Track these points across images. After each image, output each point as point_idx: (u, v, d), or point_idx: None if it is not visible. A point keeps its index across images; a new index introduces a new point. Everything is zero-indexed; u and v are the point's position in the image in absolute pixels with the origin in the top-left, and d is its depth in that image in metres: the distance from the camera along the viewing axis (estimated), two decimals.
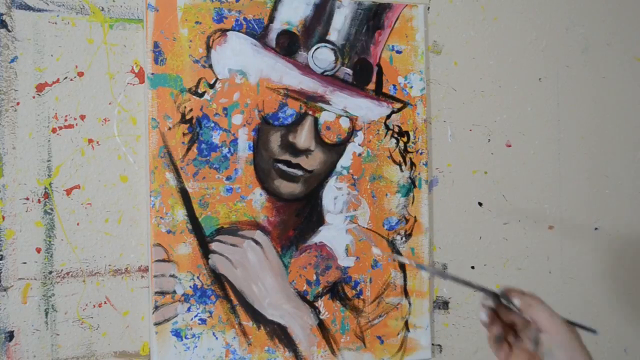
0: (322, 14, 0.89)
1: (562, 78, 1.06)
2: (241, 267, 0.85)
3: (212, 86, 0.85)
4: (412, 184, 0.94)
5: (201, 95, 0.84)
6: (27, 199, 0.78)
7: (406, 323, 0.93)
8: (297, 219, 0.88)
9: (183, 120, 0.83)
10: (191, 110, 0.84)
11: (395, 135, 0.94)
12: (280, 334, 0.87)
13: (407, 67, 0.94)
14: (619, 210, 1.09)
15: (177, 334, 0.83)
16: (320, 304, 0.89)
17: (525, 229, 1.04)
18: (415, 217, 0.94)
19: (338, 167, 0.90)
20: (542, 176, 1.05)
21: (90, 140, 0.81)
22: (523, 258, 1.03)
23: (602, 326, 1.08)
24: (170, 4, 0.83)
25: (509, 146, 1.03)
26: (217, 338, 0.84)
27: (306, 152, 0.88)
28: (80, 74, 0.81)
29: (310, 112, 0.89)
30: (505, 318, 0.64)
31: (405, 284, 0.93)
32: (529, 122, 1.04)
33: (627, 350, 1.10)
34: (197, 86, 0.84)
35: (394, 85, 0.93)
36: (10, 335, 0.77)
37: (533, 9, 1.04)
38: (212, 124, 0.85)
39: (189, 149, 0.84)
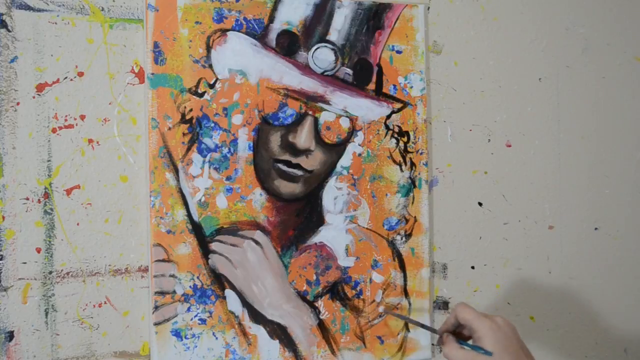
0: (322, 14, 0.89)
1: (562, 78, 1.06)
2: (241, 267, 0.85)
3: (212, 86, 0.85)
4: (412, 184, 0.94)
5: (201, 95, 0.84)
6: (27, 199, 0.78)
7: (406, 323, 0.93)
8: (297, 219, 0.88)
9: (183, 120, 0.83)
10: (191, 110, 0.84)
11: (396, 135, 0.94)
12: (280, 334, 0.87)
13: (407, 67, 0.94)
14: (619, 210, 1.10)
15: (177, 334, 0.83)
16: (320, 304, 0.89)
17: (525, 229, 1.04)
18: (415, 217, 0.94)
19: (338, 167, 0.91)
20: (542, 176, 1.05)
21: (90, 140, 0.81)
22: (523, 258, 1.03)
23: (602, 326, 1.08)
24: (170, 4, 0.83)
25: (509, 146, 1.03)
26: (217, 338, 0.84)
27: (306, 152, 0.89)
28: (80, 74, 0.81)
29: (310, 112, 0.89)
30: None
31: (405, 284, 0.93)
32: (529, 122, 1.04)
33: (627, 351, 1.10)
34: (197, 86, 0.84)
35: (394, 85, 0.93)
36: (10, 335, 0.78)
37: (533, 9, 1.04)
38: (212, 124, 0.85)
39: (188, 149, 0.84)
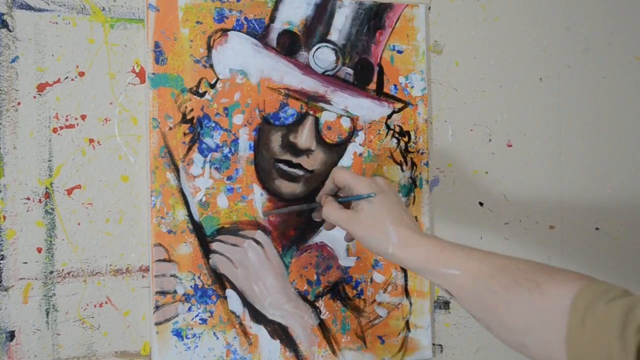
0: (323, 14, 0.89)
1: (563, 78, 1.06)
2: (242, 267, 0.85)
3: (213, 86, 0.85)
4: (413, 184, 0.94)
5: (202, 95, 0.84)
6: (28, 198, 0.78)
7: (407, 323, 0.93)
8: (298, 219, 0.88)
9: (184, 120, 0.83)
10: (192, 110, 0.84)
11: (396, 135, 0.94)
12: (281, 334, 0.87)
13: (408, 67, 0.94)
14: (619, 210, 1.09)
15: (178, 333, 0.83)
16: (321, 304, 0.89)
17: (526, 229, 1.04)
18: (416, 217, 0.94)
19: None
20: (543, 176, 1.05)
21: (91, 140, 0.81)
22: (523, 258, 1.03)
23: None
24: (171, 4, 0.83)
25: (510, 146, 1.03)
26: (217, 338, 0.84)
27: (307, 152, 0.88)
28: (81, 74, 0.81)
29: (311, 112, 0.89)
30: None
31: (406, 284, 0.94)
32: (530, 122, 1.04)
33: None
34: (198, 86, 0.84)
35: (395, 85, 0.93)
36: (11, 335, 0.78)
37: (534, 9, 1.04)
38: (213, 124, 0.85)
39: (189, 149, 0.84)
